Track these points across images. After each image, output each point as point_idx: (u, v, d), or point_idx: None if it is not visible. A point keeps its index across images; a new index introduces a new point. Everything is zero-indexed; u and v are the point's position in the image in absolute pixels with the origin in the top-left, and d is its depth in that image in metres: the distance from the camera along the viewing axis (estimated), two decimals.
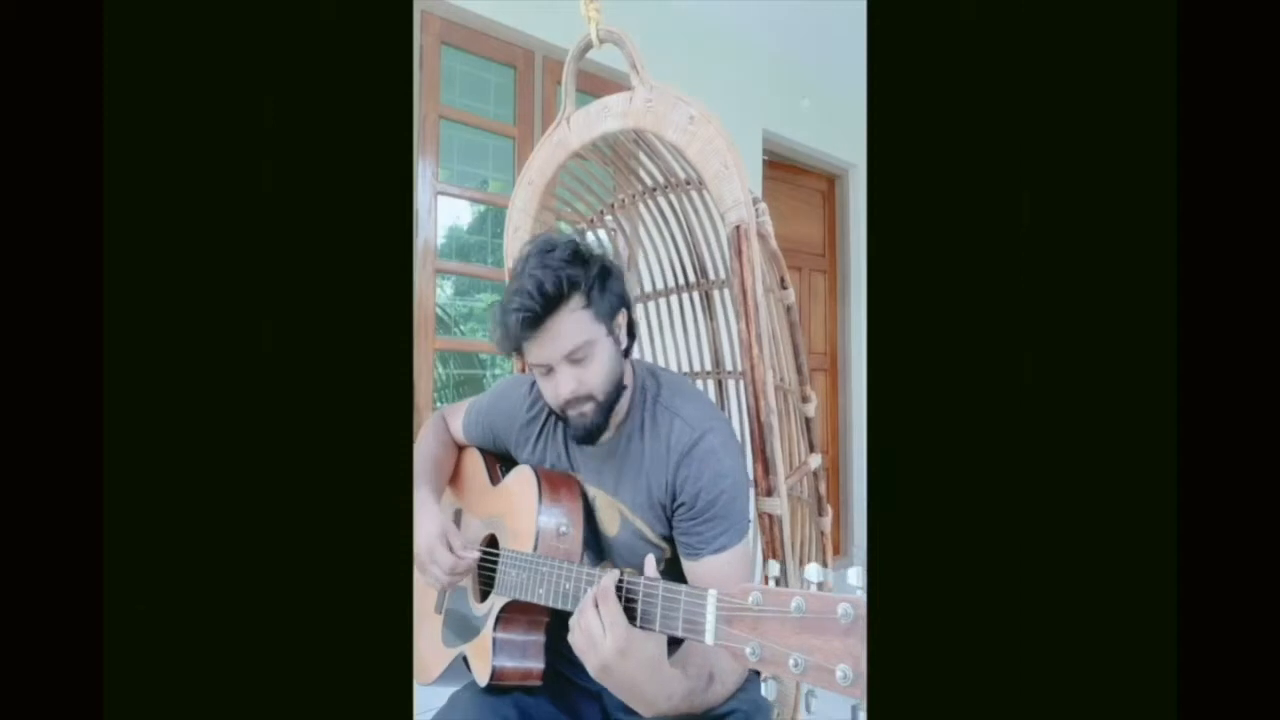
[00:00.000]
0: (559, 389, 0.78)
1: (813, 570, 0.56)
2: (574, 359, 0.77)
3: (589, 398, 0.79)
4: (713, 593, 0.57)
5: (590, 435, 0.81)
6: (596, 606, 0.63)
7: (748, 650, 0.53)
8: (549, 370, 0.79)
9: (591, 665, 0.63)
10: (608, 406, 0.81)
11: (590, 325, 0.78)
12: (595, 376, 0.79)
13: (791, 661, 0.50)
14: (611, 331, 0.82)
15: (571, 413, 0.80)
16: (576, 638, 0.64)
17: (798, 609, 0.51)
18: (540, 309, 0.75)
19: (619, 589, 0.64)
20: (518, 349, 0.79)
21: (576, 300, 0.77)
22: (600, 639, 0.62)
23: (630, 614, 0.63)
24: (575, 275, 0.77)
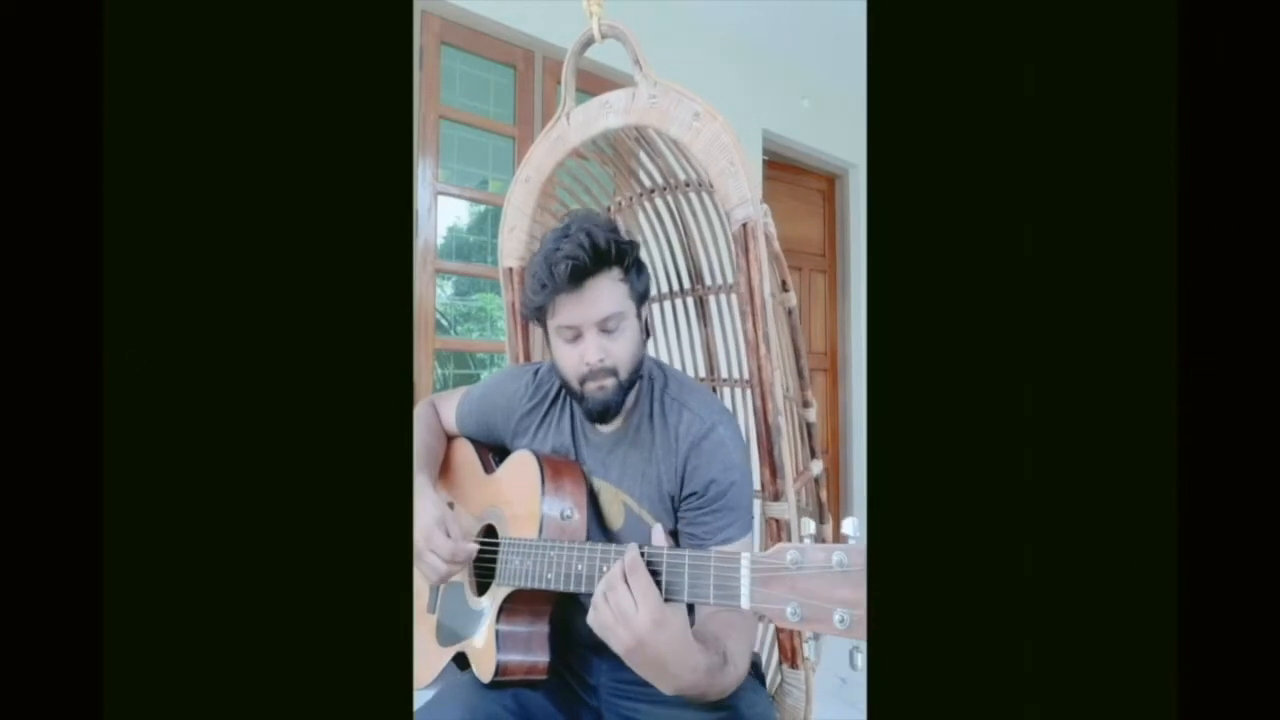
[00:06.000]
0: (586, 355, 0.78)
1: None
2: (605, 328, 0.78)
3: (612, 372, 0.78)
4: (746, 555, 0.56)
5: (606, 413, 0.81)
6: (625, 581, 0.61)
7: (788, 611, 0.51)
8: (576, 336, 0.78)
9: (623, 643, 0.61)
10: (627, 386, 0.80)
11: (625, 298, 0.79)
12: (622, 351, 0.79)
13: (837, 618, 0.49)
14: (640, 314, 0.83)
15: (591, 385, 0.79)
16: (604, 615, 0.62)
17: (840, 564, 0.49)
18: (589, 261, 0.75)
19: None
20: (542, 311, 0.79)
21: (618, 271, 0.78)
22: (633, 613, 0.60)
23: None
24: (623, 244, 0.78)
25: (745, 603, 0.54)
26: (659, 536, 0.64)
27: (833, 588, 0.50)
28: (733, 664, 0.70)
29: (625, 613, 0.60)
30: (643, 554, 0.63)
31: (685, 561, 0.60)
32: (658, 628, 0.60)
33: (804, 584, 0.51)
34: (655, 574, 0.62)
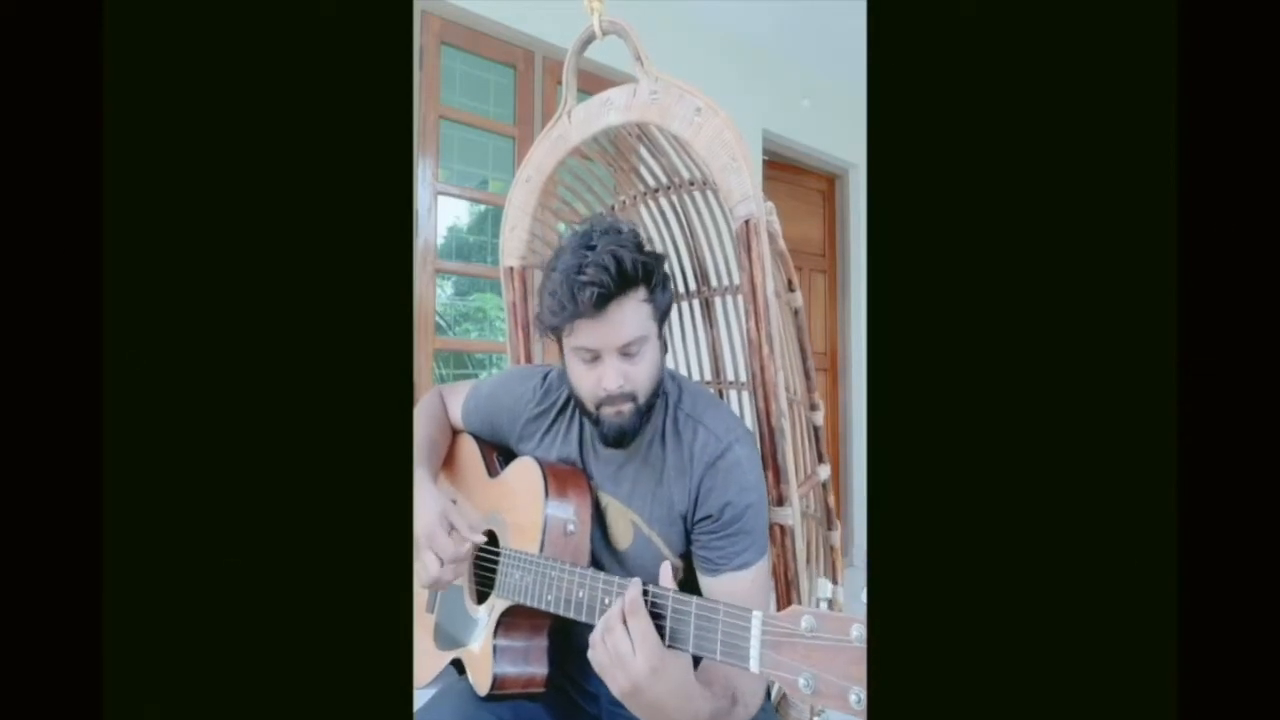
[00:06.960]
0: (604, 381, 0.73)
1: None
2: (626, 352, 0.73)
3: (631, 397, 0.74)
4: (758, 614, 0.53)
5: (623, 438, 0.76)
6: (624, 621, 0.58)
7: (800, 681, 0.48)
8: (594, 359, 0.74)
9: (619, 686, 0.58)
10: (645, 410, 0.76)
11: (648, 321, 0.75)
12: (642, 375, 0.75)
13: (853, 696, 0.46)
14: (660, 334, 0.79)
15: (608, 410, 0.75)
16: (600, 656, 0.59)
17: (859, 638, 0.47)
18: (614, 287, 0.70)
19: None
20: (558, 330, 0.74)
21: (643, 291, 0.74)
22: (630, 658, 0.57)
23: (657, 631, 0.58)
24: (650, 264, 0.74)
25: (754, 666, 0.51)
26: (666, 577, 0.61)
27: (850, 663, 0.46)
28: (742, 704, 0.67)
29: (622, 657, 0.57)
30: (646, 593, 0.60)
31: (692, 610, 0.57)
32: (655, 675, 0.57)
33: (819, 654, 0.48)
34: (659, 618, 0.58)
